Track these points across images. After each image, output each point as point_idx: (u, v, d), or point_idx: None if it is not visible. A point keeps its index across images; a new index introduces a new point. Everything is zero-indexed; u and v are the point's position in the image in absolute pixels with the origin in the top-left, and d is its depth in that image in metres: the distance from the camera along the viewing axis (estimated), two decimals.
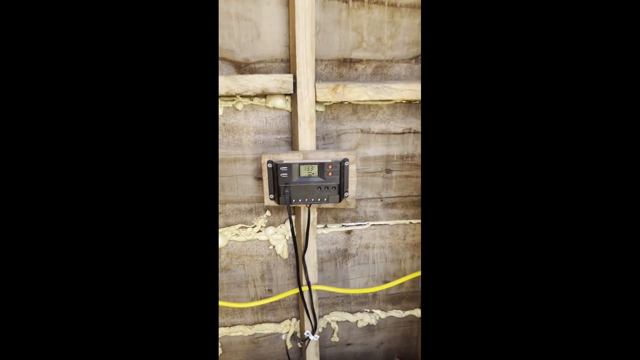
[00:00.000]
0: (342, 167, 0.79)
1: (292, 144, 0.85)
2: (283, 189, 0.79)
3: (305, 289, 0.91)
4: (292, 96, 0.80)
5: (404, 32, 0.81)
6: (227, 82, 0.74)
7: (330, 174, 0.79)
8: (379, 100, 0.84)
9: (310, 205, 0.82)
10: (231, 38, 0.77)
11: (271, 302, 1.00)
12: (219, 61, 0.78)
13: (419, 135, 0.90)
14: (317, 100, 0.77)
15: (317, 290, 0.94)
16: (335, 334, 1.06)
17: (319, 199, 0.81)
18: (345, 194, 0.82)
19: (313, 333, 0.96)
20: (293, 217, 0.88)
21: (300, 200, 0.80)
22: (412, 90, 0.80)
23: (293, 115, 0.82)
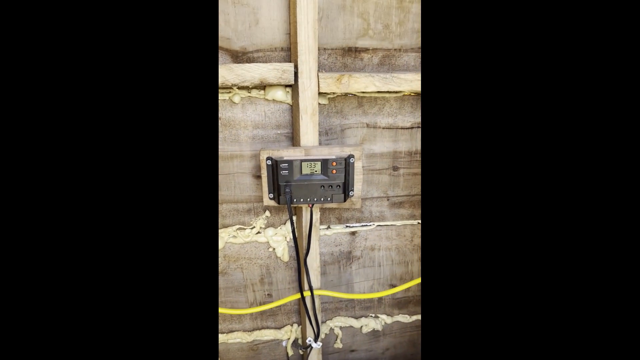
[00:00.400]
0: (347, 164, 0.73)
1: (293, 139, 0.80)
2: (283, 187, 0.73)
3: (307, 294, 0.86)
4: (293, 87, 0.75)
5: (414, 18, 0.76)
6: (222, 72, 0.68)
7: (334, 171, 0.73)
8: (387, 92, 0.79)
9: (312, 205, 0.77)
10: (227, 25, 0.71)
11: (271, 308, 0.94)
12: None
13: None
14: (321, 91, 0.71)
15: (319, 295, 0.89)
16: (338, 340, 1.01)
17: (322, 199, 0.75)
18: (351, 193, 0.76)
19: (316, 340, 0.91)
20: (294, 218, 0.82)
21: (302, 199, 0.75)
22: None
23: (294, 108, 0.76)
